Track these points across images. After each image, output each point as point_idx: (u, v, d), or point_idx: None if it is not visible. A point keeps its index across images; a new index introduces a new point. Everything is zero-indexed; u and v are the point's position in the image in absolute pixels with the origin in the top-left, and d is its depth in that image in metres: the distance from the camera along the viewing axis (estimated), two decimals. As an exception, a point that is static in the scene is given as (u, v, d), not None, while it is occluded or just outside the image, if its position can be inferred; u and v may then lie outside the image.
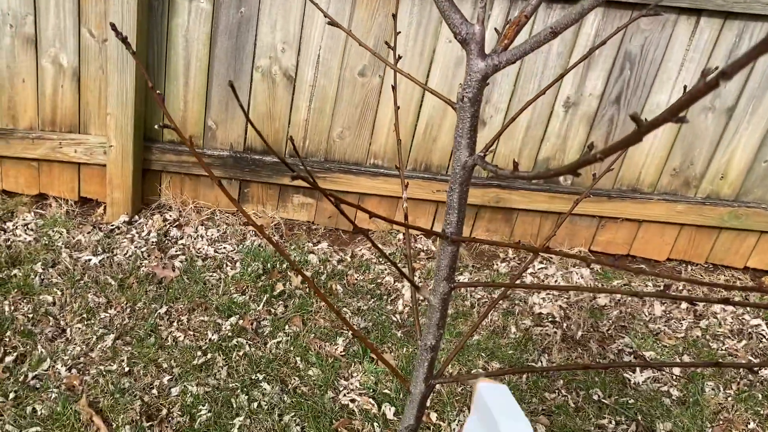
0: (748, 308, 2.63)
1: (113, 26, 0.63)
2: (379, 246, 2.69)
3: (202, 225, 2.70)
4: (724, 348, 2.41)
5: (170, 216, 2.71)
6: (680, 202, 2.73)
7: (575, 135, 2.64)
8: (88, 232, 2.57)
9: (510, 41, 0.67)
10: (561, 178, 2.75)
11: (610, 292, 0.74)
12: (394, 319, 2.35)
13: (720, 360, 2.35)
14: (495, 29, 0.75)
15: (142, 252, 2.49)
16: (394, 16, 1.02)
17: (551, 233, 1.05)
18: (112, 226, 2.62)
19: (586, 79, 2.53)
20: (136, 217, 2.69)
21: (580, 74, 2.52)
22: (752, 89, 2.53)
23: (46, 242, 2.48)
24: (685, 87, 1.11)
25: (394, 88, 0.97)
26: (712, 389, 2.19)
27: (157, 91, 0.64)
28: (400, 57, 1.02)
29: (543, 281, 2.65)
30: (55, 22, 2.45)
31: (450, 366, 2.14)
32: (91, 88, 2.56)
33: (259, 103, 2.61)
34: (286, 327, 2.21)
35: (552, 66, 2.50)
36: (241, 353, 2.07)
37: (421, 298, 0.84)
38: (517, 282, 2.58)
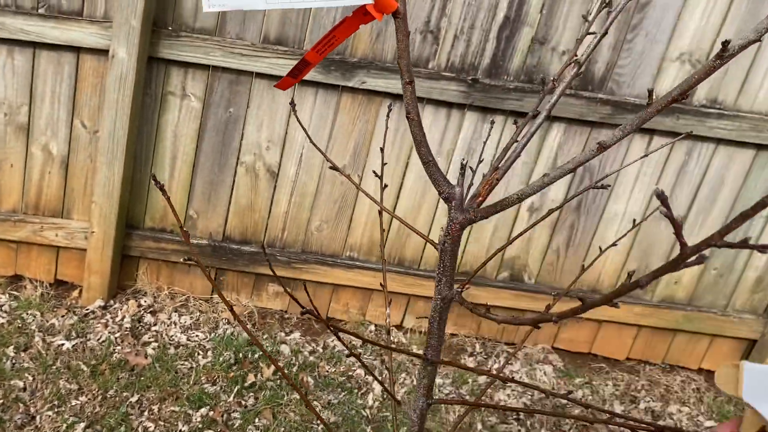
0: (703, 410, 2.74)
1: (153, 177, 0.74)
2: (357, 344, 2.75)
3: (175, 312, 2.74)
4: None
5: (145, 302, 2.75)
6: (637, 304, 2.88)
7: (538, 237, 2.80)
8: (63, 316, 2.59)
9: (483, 198, 0.80)
10: (525, 277, 2.89)
11: (563, 416, 0.83)
12: (364, 413, 2.39)
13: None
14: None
15: (115, 338, 2.52)
16: (382, 149, 1.16)
17: (525, 336, 1.16)
18: (87, 310, 2.65)
19: (549, 188, 2.72)
20: (112, 301, 2.73)
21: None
22: (701, 202, 2.74)
23: (20, 325, 2.49)
24: (634, 220, 1.26)
25: (380, 212, 1.09)
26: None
27: (182, 228, 0.74)
28: (386, 186, 1.15)
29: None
30: (49, 112, 2.56)
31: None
32: (78, 175, 2.65)
33: (241, 195, 2.72)
34: (257, 420, 2.24)
35: (518, 174, 2.69)
36: (211, 446, 2.09)
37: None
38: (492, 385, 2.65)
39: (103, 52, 2.46)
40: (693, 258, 0.42)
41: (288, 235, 2.80)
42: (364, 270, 2.81)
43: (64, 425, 2.07)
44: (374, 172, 1.09)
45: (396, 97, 2.58)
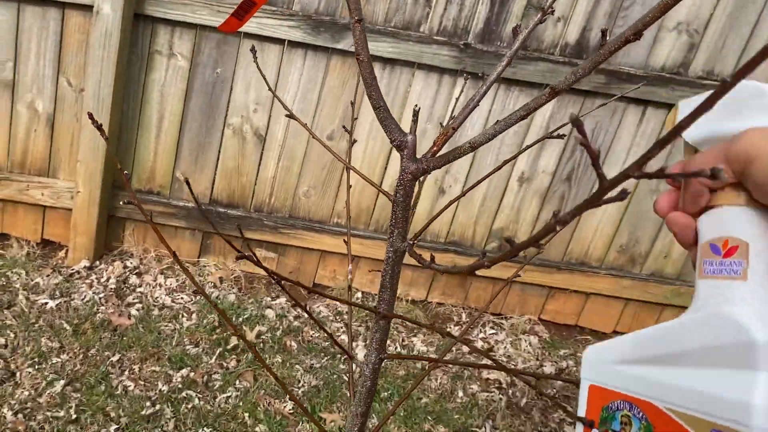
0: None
1: (90, 115, 0.71)
2: (334, 303, 2.75)
3: (161, 274, 2.73)
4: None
5: (131, 263, 2.74)
6: (626, 277, 2.86)
7: (528, 208, 2.77)
8: (48, 275, 2.59)
9: (438, 148, 0.77)
10: (515, 248, 2.86)
11: (520, 374, 0.82)
12: (346, 378, 2.39)
13: None
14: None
15: (99, 298, 2.51)
16: (352, 103, 1.13)
17: (491, 298, 1.14)
18: (73, 270, 2.64)
19: (540, 157, 2.68)
20: (98, 262, 2.72)
21: (534, 152, 2.67)
22: (693, 176, 2.70)
23: (4, 283, 2.49)
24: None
25: (347, 180, 1.07)
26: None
27: (125, 172, 0.72)
28: (355, 141, 1.12)
29: (492, 347, 2.73)
30: (35, 70, 2.53)
31: (396, 428, 2.19)
32: (64, 134, 2.62)
33: (229, 158, 2.69)
34: (237, 382, 2.24)
35: (509, 143, 2.65)
36: (189, 406, 2.09)
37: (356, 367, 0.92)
38: (465, 347, 2.66)
39: (88, 8, 2.42)
40: (615, 193, 0.39)
41: (275, 200, 2.78)
42: (351, 237, 2.79)
43: (44, 382, 2.07)
44: (344, 126, 1.06)
45: (387, 61, 2.54)
